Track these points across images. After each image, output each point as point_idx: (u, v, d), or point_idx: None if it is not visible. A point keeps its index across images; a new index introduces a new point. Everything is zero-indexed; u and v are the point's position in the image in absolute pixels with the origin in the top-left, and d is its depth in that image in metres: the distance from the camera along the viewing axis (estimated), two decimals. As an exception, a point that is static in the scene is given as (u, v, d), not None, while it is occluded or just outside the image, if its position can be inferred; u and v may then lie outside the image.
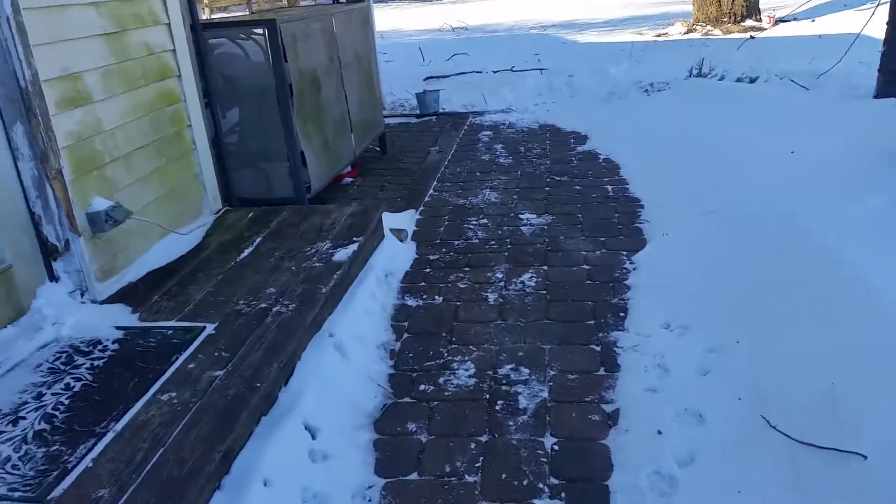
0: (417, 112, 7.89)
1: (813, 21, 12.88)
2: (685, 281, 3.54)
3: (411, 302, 3.55)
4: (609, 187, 5.10)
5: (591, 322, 3.25)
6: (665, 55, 10.50)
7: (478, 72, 9.76)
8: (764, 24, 12.80)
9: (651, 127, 6.21)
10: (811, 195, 4.21)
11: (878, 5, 13.02)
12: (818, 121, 5.55)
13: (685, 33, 13.03)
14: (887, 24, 6.43)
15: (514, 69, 9.93)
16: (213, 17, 21.58)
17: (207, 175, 4.13)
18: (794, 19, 13.40)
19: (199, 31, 4.30)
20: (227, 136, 4.53)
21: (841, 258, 3.06)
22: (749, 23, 12.95)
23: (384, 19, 20.03)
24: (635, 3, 19.49)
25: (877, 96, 6.40)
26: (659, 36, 13.10)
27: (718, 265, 3.60)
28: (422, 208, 4.89)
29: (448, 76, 9.75)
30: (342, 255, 3.41)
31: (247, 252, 3.54)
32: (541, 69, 9.94)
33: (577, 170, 5.55)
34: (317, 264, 3.33)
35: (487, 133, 6.89)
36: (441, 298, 3.56)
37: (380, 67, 10.57)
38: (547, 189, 5.15)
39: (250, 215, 4.05)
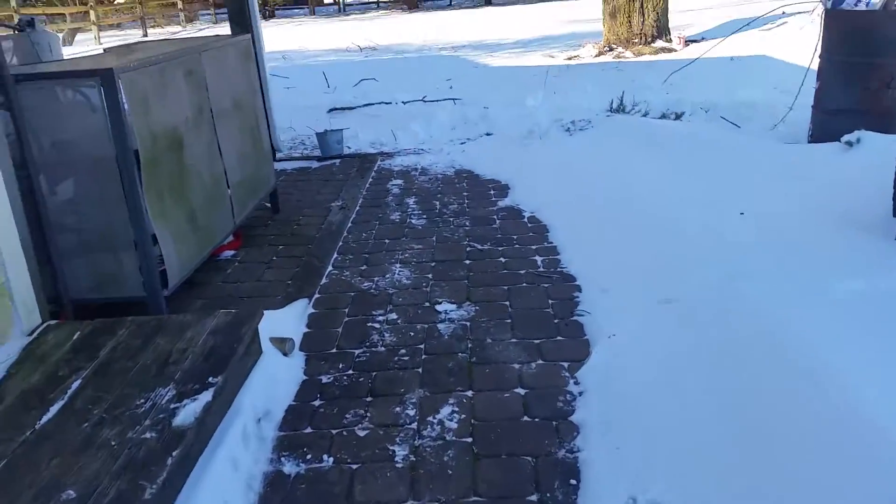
0: (319, 154, 6.82)
1: (723, 40, 12.47)
2: (645, 415, 2.63)
3: (289, 467, 2.49)
4: (538, 258, 4.19)
5: (534, 500, 2.30)
6: (580, 83, 9.75)
7: (386, 103, 8.75)
8: (675, 45, 12.29)
9: (577, 175, 5.35)
10: (777, 275, 3.41)
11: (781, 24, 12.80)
12: (761, 171, 4.80)
13: (596, 56, 12.40)
14: (819, 56, 5.79)
15: (425, 100, 8.97)
16: (102, 38, 19.88)
17: (17, 278, 2.97)
18: (703, 39, 12.97)
19: (8, 83, 3.14)
20: (56, 217, 3.38)
21: (831, 376, 2.26)
22: (660, 43, 12.42)
23: (287, 37, 18.80)
24: (542, 22, 18.91)
25: (813, 137, 5.75)
26: (570, 59, 12.43)
27: (683, 387, 2.72)
28: (317, 296, 3.84)
29: (354, 108, 8.71)
30: (188, 414, 2.34)
31: (54, 409, 2.42)
32: (454, 99, 9.02)
33: (501, 233, 4.62)
34: (148, 435, 2.26)
35: (398, 182, 5.89)
36: (331, 459, 2.52)
37: (279, 98, 9.45)
38: (467, 262, 4.19)
39: (76, 336, 2.91)
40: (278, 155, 6.80)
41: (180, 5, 23.73)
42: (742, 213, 4.23)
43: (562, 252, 4.25)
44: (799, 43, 11.33)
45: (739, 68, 10.22)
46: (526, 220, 4.84)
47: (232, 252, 4.49)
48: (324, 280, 4.04)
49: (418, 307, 3.65)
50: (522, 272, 4.01)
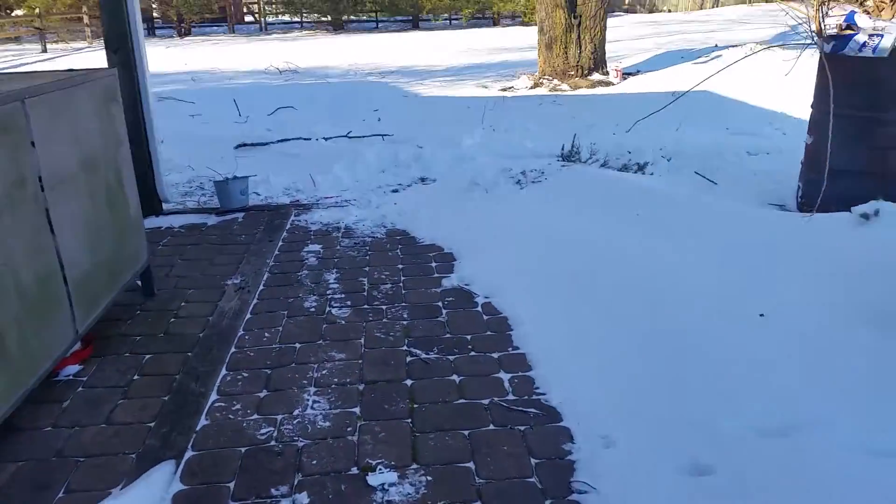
0: (219, 206, 5.49)
1: (657, 71, 11.72)
2: None
3: None
4: (505, 376, 3.02)
5: None
6: (520, 119, 8.72)
7: (305, 139, 7.45)
8: (612, 78, 11.47)
9: (536, 242, 4.22)
10: (833, 417, 2.39)
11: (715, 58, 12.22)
12: (764, 248, 3.79)
13: (532, 87, 11.45)
14: (812, 107, 4.89)
15: (350, 135, 7.73)
16: None
17: None
18: (638, 72, 12.23)
19: None
20: None
21: None
22: (597, 76, 11.58)
23: (200, 56, 17.19)
24: (472, 49, 17.98)
25: (804, 201, 4.83)
26: (505, 90, 11.43)
27: None
28: (189, 454, 2.56)
29: (267, 144, 7.37)
30: None
31: None
32: (383, 135, 7.81)
33: (450, 330, 3.42)
34: None
35: (315, 248, 4.61)
36: None
37: (179, 128, 8.02)
38: (409, 384, 2.98)
39: None
40: (167, 206, 5.42)
41: (86, 20, 21.59)
42: (762, 315, 3.20)
43: (535, 366, 3.08)
44: (740, 79, 10.69)
45: (685, 105, 9.42)
46: (480, 308, 3.66)
47: (78, 366, 3.14)
48: (202, 421, 2.74)
49: (340, 478, 2.41)
50: (486, 402, 2.83)
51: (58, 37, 22.60)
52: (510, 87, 11.55)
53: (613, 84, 11.27)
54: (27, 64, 17.11)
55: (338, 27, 25.73)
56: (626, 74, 11.84)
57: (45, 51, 19.52)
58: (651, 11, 27.46)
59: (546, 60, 11.67)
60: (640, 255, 3.75)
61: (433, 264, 4.28)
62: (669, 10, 27.51)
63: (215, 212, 5.37)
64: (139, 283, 3.86)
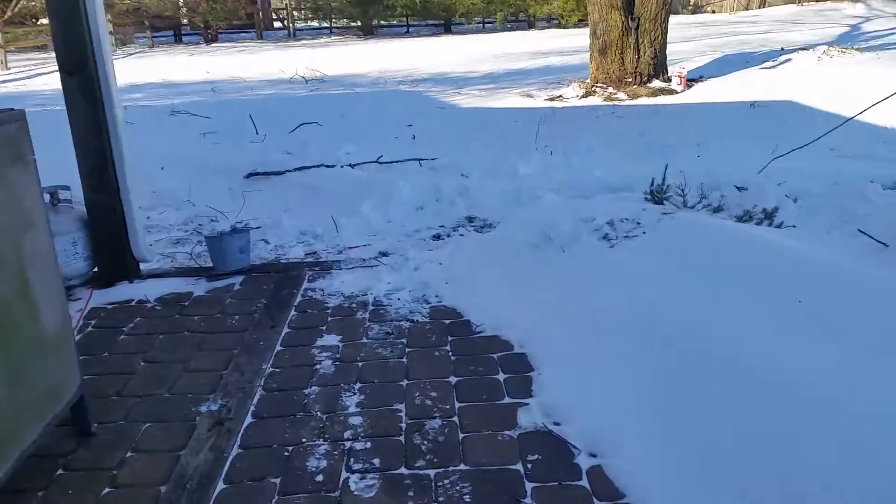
0: (212, 266, 4.14)
1: (722, 77, 10.16)
2: None
3: None
4: None
5: None
6: (578, 136, 7.26)
7: (328, 166, 6.08)
8: (674, 86, 9.95)
9: (651, 344, 2.82)
10: None
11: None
12: None
13: (584, 97, 9.97)
14: None
15: (381, 161, 6.36)
16: (10, 62, 16.18)
17: None
18: (701, 77, 10.68)
19: None
20: None
21: None
22: (657, 83, 10.06)
23: (224, 64, 15.92)
24: (510, 53, 16.51)
25: None
26: (553, 100, 9.98)
27: None
28: None
29: (284, 173, 6.02)
30: None
31: None
32: (419, 160, 6.43)
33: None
34: None
35: (332, 341, 3.21)
36: None
37: (184, 151, 6.72)
38: None
39: None
40: (145, 268, 4.09)
41: (110, 27, 20.54)
42: None
43: None
44: (818, 84, 9.11)
45: (770, 120, 7.88)
46: (586, 481, 2.26)
47: None
48: None
49: None
50: None
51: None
52: (559, 97, 10.10)
53: (677, 92, 9.76)
54: (42, 74, 16.06)
55: (367, 32, 24.46)
56: (690, 81, 10.30)
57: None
58: (694, 12, 25.71)
59: (599, 66, 10.19)
60: (841, 396, 2.30)
61: (500, 376, 2.88)
62: (713, 11, 25.73)
63: (207, 274, 4.02)
64: (72, 414, 2.52)
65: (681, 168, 5.62)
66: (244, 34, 25.79)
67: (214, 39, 23.78)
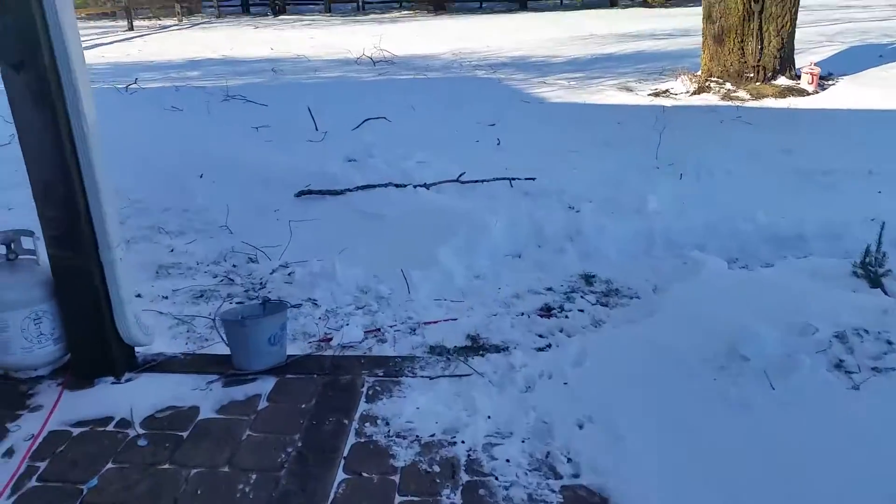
0: (231, 356, 2.82)
1: (857, 75, 8.32)
2: None
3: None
4: None
5: None
6: (710, 154, 5.69)
7: (398, 185, 4.71)
8: (805, 85, 8.19)
9: None
10: None
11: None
12: None
13: (696, 93, 8.31)
14: None
15: (462, 180, 4.94)
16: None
17: None
18: (830, 75, 8.84)
19: None
20: None
21: None
22: (783, 80, 8.32)
23: (289, 40, 14.59)
24: (594, 35, 14.73)
25: None
26: (658, 95, 8.35)
27: None
28: None
29: (343, 192, 4.67)
30: None
31: None
32: (510, 179, 4.99)
33: None
34: None
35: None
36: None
37: (232, 155, 5.41)
38: None
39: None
40: (144, 351, 2.82)
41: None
42: None
43: None
44: None
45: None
46: None
47: None
48: None
49: None
50: None
51: (151, 13, 20.72)
52: (665, 91, 8.46)
53: (808, 93, 8.01)
54: (103, 45, 15.09)
55: (439, 7, 22.84)
56: (821, 80, 8.50)
57: (131, 28, 17.55)
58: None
59: (714, 57, 8.49)
60: None
61: None
62: (812, -8, 23.09)
63: (225, 371, 2.71)
64: None
65: (863, 210, 4.05)
66: (312, 5, 24.50)
67: (282, 11, 22.57)
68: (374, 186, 4.65)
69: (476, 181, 4.89)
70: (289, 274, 3.62)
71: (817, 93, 8.02)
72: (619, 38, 13.79)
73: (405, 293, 3.41)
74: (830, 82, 8.41)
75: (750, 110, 7.35)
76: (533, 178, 4.99)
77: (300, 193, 4.65)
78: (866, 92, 7.83)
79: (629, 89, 8.75)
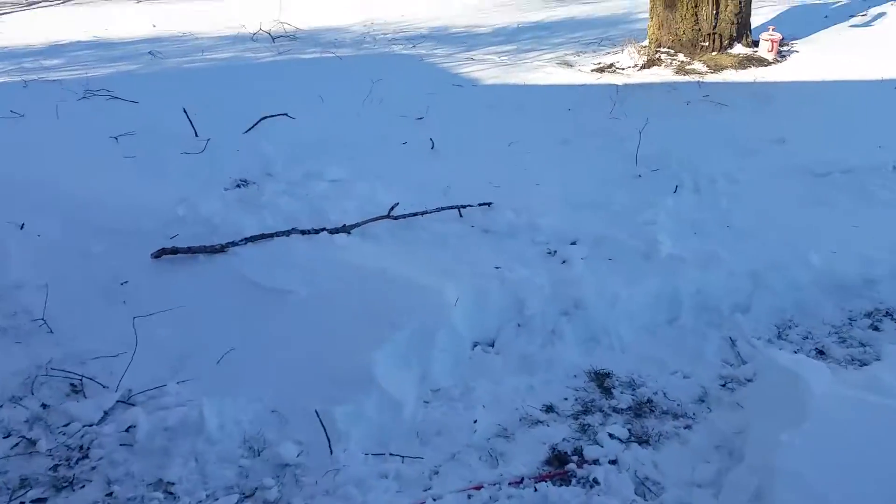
0: None
1: (809, 39, 7.31)
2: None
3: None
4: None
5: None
6: (687, 141, 4.47)
7: (306, 231, 3.23)
8: (764, 53, 7.10)
9: None
10: None
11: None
12: None
13: (646, 66, 7.08)
14: None
15: (395, 213, 3.49)
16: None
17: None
18: (783, 40, 7.79)
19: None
20: None
21: None
22: (740, 49, 7.19)
23: (175, 14, 12.41)
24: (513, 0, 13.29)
25: None
26: (603, 71, 7.08)
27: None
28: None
29: (221, 249, 3.16)
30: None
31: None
32: (459, 208, 3.58)
33: None
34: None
35: None
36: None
37: (68, 189, 3.59)
38: None
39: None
40: None
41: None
42: None
43: None
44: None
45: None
46: None
47: None
48: None
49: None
50: None
51: None
52: (611, 66, 7.19)
53: (769, 62, 6.92)
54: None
55: (344, -27, 20.75)
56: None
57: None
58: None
59: (664, 24, 7.27)
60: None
61: None
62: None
63: None
64: None
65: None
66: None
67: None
68: (270, 236, 3.15)
69: (414, 214, 3.46)
70: (127, 430, 2.13)
71: (778, 62, 6.95)
72: (544, 3, 12.40)
73: (324, 452, 2.00)
74: (786, 48, 7.35)
75: (714, 87, 6.18)
76: (488, 204, 3.62)
77: (159, 253, 3.10)
78: (831, 59, 6.81)
79: (569, 64, 7.44)
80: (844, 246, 2.97)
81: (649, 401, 2.25)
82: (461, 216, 3.52)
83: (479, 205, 3.60)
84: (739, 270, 2.79)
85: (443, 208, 3.52)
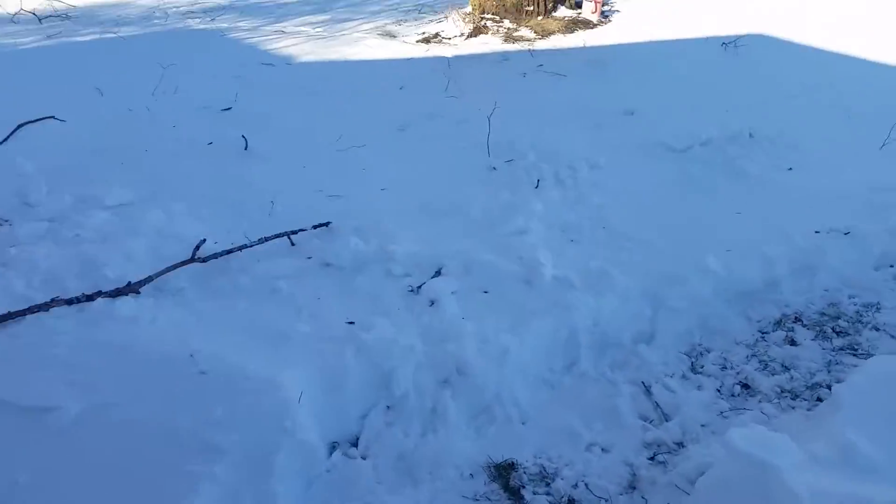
0: None
1: None
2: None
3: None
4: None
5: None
6: (531, 117, 3.98)
7: (72, 301, 2.27)
8: (588, 15, 6.84)
9: None
10: None
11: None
12: None
13: (472, 35, 6.53)
14: None
15: (203, 254, 2.61)
16: None
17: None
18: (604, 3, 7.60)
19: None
20: None
21: None
22: (564, 11, 6.87)
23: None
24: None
25: None
26: (429, 41, 6.44)
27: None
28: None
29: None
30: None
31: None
32: (289, 235, 2.78)
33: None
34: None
35: None
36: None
37: None
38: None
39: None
40: None
41: None
42: None
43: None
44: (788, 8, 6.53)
45: (747, 68, 5.08)
46: None
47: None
48: None
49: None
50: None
51: None
52: (436, 36, 6.56)
53: (594, 24, 6.65)
54: None
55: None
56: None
57: None
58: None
59: (484, -11, 6.74)
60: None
61: None
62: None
63: None
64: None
65: (804, 210, 2.64)
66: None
67: None
68: (21, 314, 2.18)
69: (229, 251, 2.62)
70: None
71: (602, 23, 6.70)
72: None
73: None
74: (607, 7, 7.14)
75: (546, 55, 5.76)
76: (326, 224, 2.86)
77: None
78: (652, 17, 6.69)
79: (392, 35, 6.70)
80: (736, 240, 2.60)
81: (571, 501, 1.68)
82: (293, 245, 2.74)
83: (315, 227, 2.83)
84: (634, 291, 2.29)
85: (267, 238, 2.71)
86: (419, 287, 2.37)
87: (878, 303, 2.34)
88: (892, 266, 2.50)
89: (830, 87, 4.45)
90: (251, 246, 2.67)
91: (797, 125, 3.78)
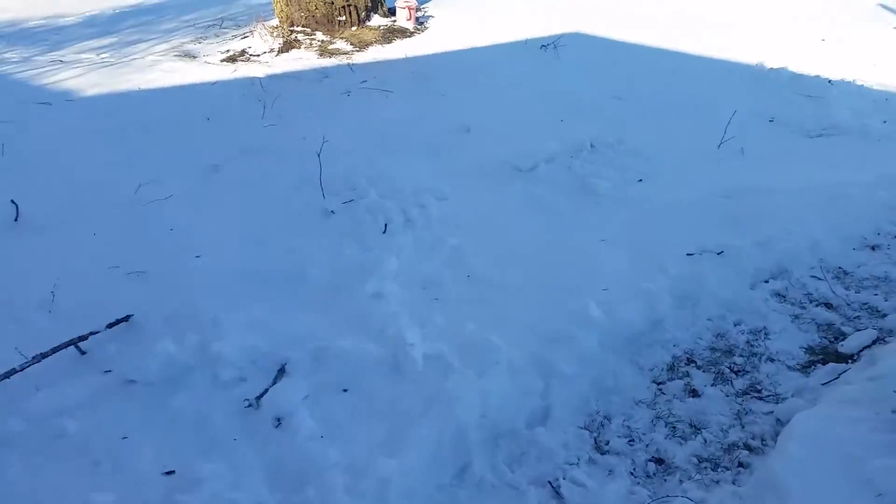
0: None
1: (431, 3, 6.93)
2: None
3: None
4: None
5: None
6: (369, 146, 3.54)
7: None
8: (404, 23, 6.49)
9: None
10: None
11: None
12: None
13: (283, 50, 5.92)
14: None
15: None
16: None
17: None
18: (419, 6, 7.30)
19: None
20: None
21: None
22: (378, 20, 6.47)
23: None
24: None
25: None
26: (235, 61, 5.73)
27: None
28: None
29: None
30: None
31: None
32: (77, 343, 2.08)
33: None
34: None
35: None
36: None
37: None
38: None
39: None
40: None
41: None
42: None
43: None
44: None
45: (605, 69, 5.03)
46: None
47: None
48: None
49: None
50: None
51: None
52: (243, 53, 5.85)
53: (411, 31, 6.29)
54: None
55: None
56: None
57: None
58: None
59: (292, 1, 6.10)
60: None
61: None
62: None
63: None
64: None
65: (649, 235, 2.48)
66: None
67: None
68: None
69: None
70: None
71: (419, 31, 6.38)
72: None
73: None
74: (421, 13, 6.84)
75: (367, 69, 5.31)
76: (126, 319, 2.21)
77: None
78: (467, 21, 6.49)
79: (192, 55, 5.91)
80: (609, 275, 2.32)
81: None
82: (83, 353, 2.06)
83: (110, 325, 2.16)
84: (519, 360, 1.93)
85: (45, 355, 2.01)
86: (258, 398, 1.82)
87: (765, 327, 2.17)
88: (766, 282, 2.35)
89: (654, 83, 4.43)
90: (24, 369, 1.96)
91: (633, 129, 3.66)
